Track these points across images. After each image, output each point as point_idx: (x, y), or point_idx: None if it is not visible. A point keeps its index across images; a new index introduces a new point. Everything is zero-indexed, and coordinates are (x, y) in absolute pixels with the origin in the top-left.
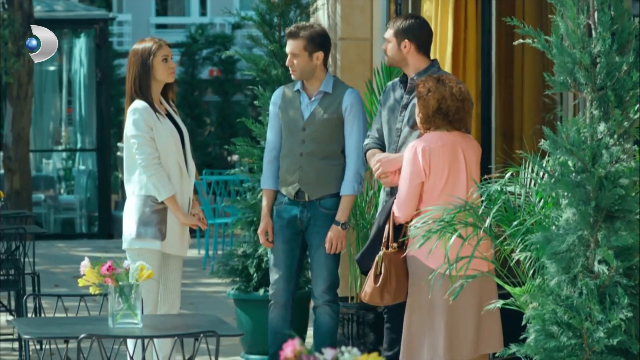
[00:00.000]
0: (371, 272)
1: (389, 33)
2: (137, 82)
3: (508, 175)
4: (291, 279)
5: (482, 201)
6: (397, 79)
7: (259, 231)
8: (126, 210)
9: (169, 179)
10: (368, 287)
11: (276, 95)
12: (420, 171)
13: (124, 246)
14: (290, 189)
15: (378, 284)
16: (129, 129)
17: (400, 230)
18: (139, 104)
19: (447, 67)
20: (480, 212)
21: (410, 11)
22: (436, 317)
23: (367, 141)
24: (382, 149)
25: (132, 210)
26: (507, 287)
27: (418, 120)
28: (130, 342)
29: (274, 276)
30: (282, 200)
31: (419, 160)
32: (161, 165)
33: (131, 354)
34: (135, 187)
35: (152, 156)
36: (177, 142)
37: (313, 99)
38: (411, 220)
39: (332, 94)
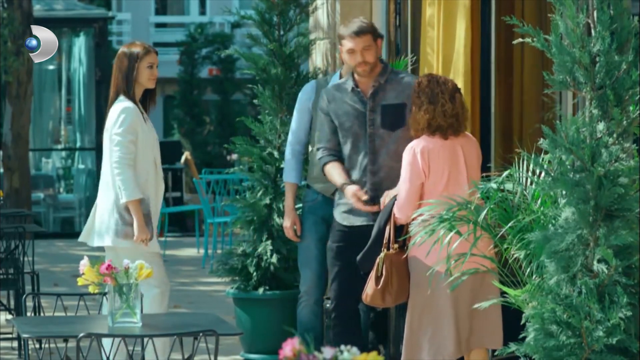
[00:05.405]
0: (372, 274)
1: (368, 38)
2: (122, 82)
3: (506, 173)
4: (323, 275)
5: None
6: (337, 84)
7: (286, 225)
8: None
9: (147, 178)
10: (369, 289)
11: (324, 97)
12: (420, 172)
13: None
14: (328, 187)
15: (379, 286)
16: (115, 124)
17: (401, 232)
18: (129, 104)
19: (445, 67)
20: (479, 209)
21: (409, 9)
22: (441, 314)
23: (320, 155)
24: (340, 159)
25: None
26: (504, 287)
27: (412, 128)
28: (106, 343)
29: (306, 273)
30: (314, 198)
31: (418, 161)
32: (132, 168)
33: (130, 352)
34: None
35: (128, 156)
36: (157, 145)
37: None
38: (412, 220)
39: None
